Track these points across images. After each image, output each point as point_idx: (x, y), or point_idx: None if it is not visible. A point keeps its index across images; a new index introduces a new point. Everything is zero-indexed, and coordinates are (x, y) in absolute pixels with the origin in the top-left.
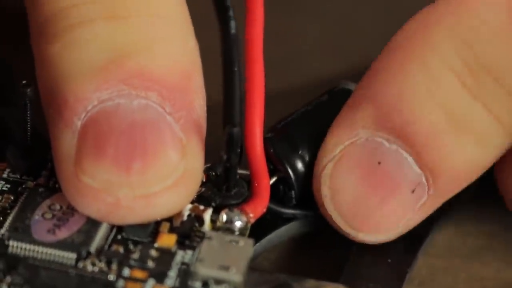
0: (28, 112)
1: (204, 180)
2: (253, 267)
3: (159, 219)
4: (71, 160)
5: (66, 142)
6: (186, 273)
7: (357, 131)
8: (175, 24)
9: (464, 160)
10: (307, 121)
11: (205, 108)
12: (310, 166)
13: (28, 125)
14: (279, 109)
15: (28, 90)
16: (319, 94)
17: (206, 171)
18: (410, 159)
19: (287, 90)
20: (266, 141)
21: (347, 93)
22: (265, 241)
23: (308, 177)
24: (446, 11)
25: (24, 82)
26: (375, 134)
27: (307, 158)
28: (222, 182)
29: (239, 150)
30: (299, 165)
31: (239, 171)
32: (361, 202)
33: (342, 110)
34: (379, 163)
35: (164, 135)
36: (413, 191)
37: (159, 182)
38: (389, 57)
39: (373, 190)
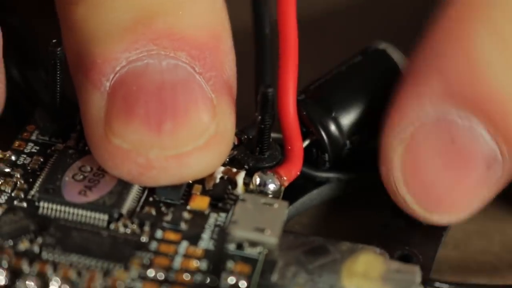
0: (58, 73)
1: (236, 143)
2: (287, 230)
3: (191, 181)
4: (101, 122)
5: (95, 104)
6: (220, 235)
7: (425, 109)
8: None
9: None
10: (340, 82)
11: (235, 69)
12: (344, 128)
13: (58, 86)
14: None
15: (58, 49)
16: (352, 54)
17: (239, 134)
18: (485, 133)
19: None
20: (299, 103)
21: (381, 54)
22: (298, 204)
23: (342, 139)
24: None
25: (54, 41)
26: (445, 110)
27: (340, 121)
28: (255, 144)
29: (273, 111)
30: (333, 128)
31: (272, 135)
32: (436, 184)
33: (404, 85)
34: (453, 142)
35: (195, 94)
36: (488, 168)
37: (191, 142)
38: (451, 22)
39: (448, 171)
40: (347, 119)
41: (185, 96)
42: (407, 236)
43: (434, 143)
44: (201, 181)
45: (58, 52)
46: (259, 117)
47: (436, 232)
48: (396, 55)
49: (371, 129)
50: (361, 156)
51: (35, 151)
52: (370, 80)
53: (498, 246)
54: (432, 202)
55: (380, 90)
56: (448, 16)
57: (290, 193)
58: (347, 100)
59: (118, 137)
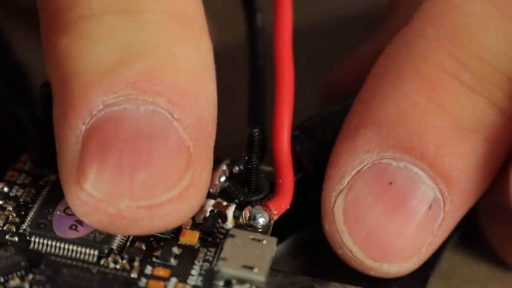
0: (49, 110)
1: (227, 175)
2: (276, 268)
3: (161, 232)
4: (74, 166)
5: (70, 147)
6: (208, 272)
7: (361, 158)
8: (189, 23)
9: (477, 161)
10: (335, 120)
11: (215, 114)
12: None
13: (49, 124)
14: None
15: (48, 89)
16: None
17: (230, 166)
18: (421, 173)
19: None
20: (293, 139)
21: None
22: (287, 242)
23: None
24: (425, 22)
25: (45, 81)
26: (380, 156)
27: None
28: (243, 183)
29: (260, 151)
30: (325, 165)
31: (264, 168)
32: (380, 232)
33: (339, 140)
34: (390, 183)
35: (171, 143)
36: (430, 207)
37: (164, 194)
38: (379, 79)
39: (389, 216)
40: None
41: (160, 145)
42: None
43: (373, 189)
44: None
45: (47, 92)
46: (246, 157)
47: (424, 270)
48: None
49: None
50: None
51: (28, 182)
52: None
53: (483, 275)
54: (379, 251)
55: None
56: (374, 73)
57: (281, 231)
58: None
59: (90, 184)
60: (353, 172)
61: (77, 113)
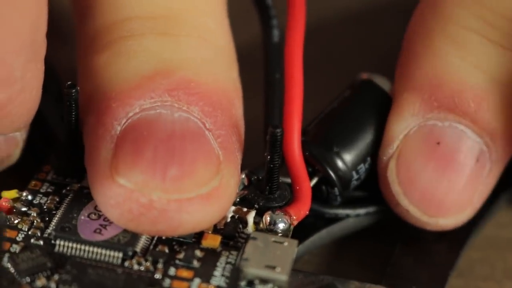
0: (73, 114)
1: (246, 183)
2: (296, 269)
3: (187, 233)
4: (107, 163)
5: (104, 146)
6: (232, 273)
7: (407, 122)
8: (222, 51)
9: None
10: (335, 118)
11: (243, 137)
12: (348, 160)
13: (73, 127)
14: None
15: (73, 91)
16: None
17: (249, 175)
18: (466, 130)
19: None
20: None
21: (368, 84)
22: (308, 242)
23: (348, 171)
24: None
25: (69, 82)
26: (425, 118)
27: (343, 154)
28: (265, 184)
29: (281, 151)
30: (338, 162)
31: (282, 178)
32: (432, 188)
33: (390, 112)
34: (438, 143)
35: (202, 148)
36: (477, 161)
37: (194, 190)
38: (411, 43)
39: (440, 172)
40: (349, 151)
41: (193, 147)
42: (414, 274)
43: (422, 150)
44: None
45: (73, 94)
46: (268, 157)
47: (443, 271)
48: (381, 82)
49: (373, 155)
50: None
51: (51, 190)
52: (364, 109)
53: (500, 273)
54: (434, 207)
55: (373, 117)
56: (408, 38)
57: (300, 232)
58: (345, 133)
59: (123, 177)
60: (401, 136)
61: (114, 114)
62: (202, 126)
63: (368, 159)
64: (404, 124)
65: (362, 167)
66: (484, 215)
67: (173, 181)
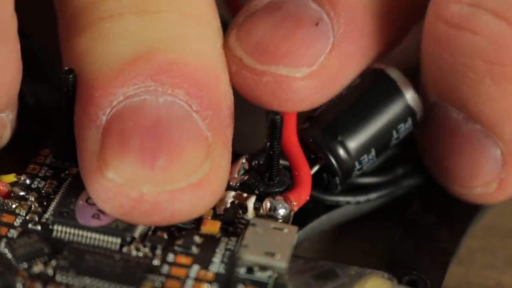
0: (70, 99)
1: (247, 168)
2: (296, 254)
3: (183, 221)
4: (95, 155)
5: (91, 137)
6: (230, 259)
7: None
8: (205, 24)
9: None
10: (342, 106)
11: (233, 108)
12: (351, 150)
13: (70, 112)
14: None
15: (70, 76)
16: None
17: (249, 160)
18: (309, 2)
19: None
20: (304, 131)
21: (379, 73)
22: (307, 229)
23: (350, 161)
24: None
25: (66, 68)
26: None
27: (347, 143)
28: (265, 170)
29: (281, 137)
30: (341, 151)
31: (282, 162)
32: (267, 37)
33: None
34: (278, 9)
35: (190, 132)
36: (316, 24)
37: (184, 179)
38: None
39: (277, 27)
40: (354, 141)
41: (180, 133)
42: (415, 261)
43: (264, 13)
44: (212, 207)
45: (70, 79)
46: (268, 143)
47: (444, 257)
48: (393, 72)
49: (377, 147)
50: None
51: (49, 174)
52: (371, 100)
53: (501, 261)
54: (266, 53)
55: (382, 108)
56: None
57: (300, 218)
58: (351, 123)
59: (112, 170)
60: (252, 10)
61: (98, 103)
62: (188, 108)
63: (372, 150)
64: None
65: (365, 158)
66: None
67: (163, 171)
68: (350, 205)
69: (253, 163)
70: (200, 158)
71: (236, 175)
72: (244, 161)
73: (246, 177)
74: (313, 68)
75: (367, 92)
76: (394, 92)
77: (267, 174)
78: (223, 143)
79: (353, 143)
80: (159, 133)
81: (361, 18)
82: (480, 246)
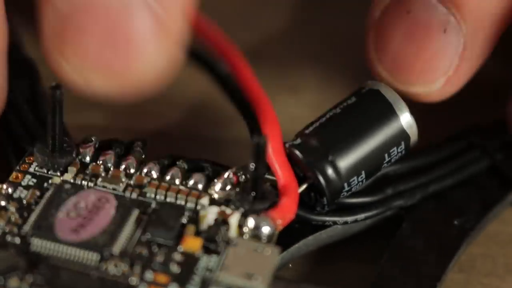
0: (58, 114)
1: (234, 182)
2: (280, 276)
3: (147, 85)
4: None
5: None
6: (209, 280)
7: None
8: None
9: None
10: (335, 125)
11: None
12: (341, 171)
13: (57, 127)
14: None
15: (57, 92)
16: (346, 96)
17: (236, 173)
18: (437, 3)
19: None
20: (295, 147)
21: (375, 94)
22: (293, 249)
23: (340, 183)
24: None
25: (53, 84)
26: None
27: (337, 164)
28: (250, 190)
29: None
30: (330, 172)
31: (271, 177)
32: (402, 54)
33: None
34: (407, 12)
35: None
36: (445, 31)
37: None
38: None
39: (409, 39)
40: (344, 162)
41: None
42: (400, 285)
43: (392, 18)
44: (195, 222)
45: (57, 95)
46: (252, 166)
47: (430, 282)
48: (390, 94)
49: (368, 170)
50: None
51: (32, 184)
52: (365, 121)
53: (502, 268)
54: (403, 72)
55: (375, 131)
56: None
57: (286, 238)
58: (343, 143)
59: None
60: (382, 7)
61: None
62: None
63: (363, 172)
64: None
65: (355, 180)
66: (486, 214)
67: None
68: (337, 225)
69: (240, 178)
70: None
71: (222, 190)
72: (230, 175)
73: (231, 193)
74: (448, 74)
75: (362, 113)
76: (389, 115)
77: (252, 193)
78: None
79: (344, 164)
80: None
81: (484, 18)
82: (481, 253)
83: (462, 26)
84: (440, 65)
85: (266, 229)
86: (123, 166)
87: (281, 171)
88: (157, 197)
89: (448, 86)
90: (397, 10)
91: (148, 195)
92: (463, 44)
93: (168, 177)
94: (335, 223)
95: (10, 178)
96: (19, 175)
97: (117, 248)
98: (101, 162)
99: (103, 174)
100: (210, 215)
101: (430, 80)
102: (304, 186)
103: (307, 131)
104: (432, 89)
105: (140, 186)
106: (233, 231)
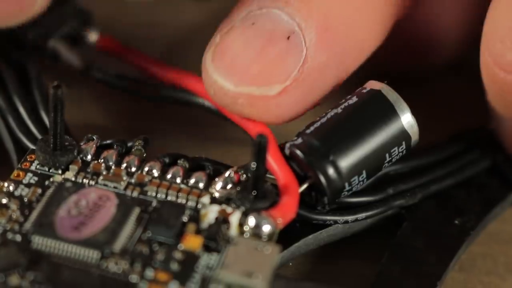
0: (59, 113)
1: (235, 181)
2: (280, 274)
3: None
4: None
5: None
6: (209, 278)
7: (239, 14)
8: None
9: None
10: (337, 125)
11: None
12: (342, 171)
13: (58, 127)
14: None
15: (59, 91)
16: (347, 96)
17: (238, 172)
18: (281, 13)
19: None
20: (295, 147)
21: (377, 95)
22: (293, 248)
23: (340, 182)
24: None
25: (55, 83)
26: (251, 9)
27: (338, 164)
28: (250, 188)
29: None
30: (331, 171)
31: (272, 176)
32: (239, 58)
33: None
34: (252, 24)
35: None
36: (288, 38)
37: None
38: None
39: (250, 44)
40: (345, 161)
41: None
42: (401, 284)
43: (238, 30)
44: (196, 220)
45: (59, 94)
46: (254, 165)
47: (431, 281)
48: (391, 95)
49: (369, 169)
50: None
51: (33, 182)
52: (367, 121)
53: (503, 267)
54: (238, 73)
55: (377, 131)
56: None
57: (287, 237)
58: (344, 143)
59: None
60: (232, 24)
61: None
62: None
63: (364, 172)
64: (243, 13)
65: (356, 180)
66: (487, 214)
67: None
68: (338, 224)
69: (242, 176)
70: None
71: (223, 189)
72: (231, 174)
73: (232, 192)
74: (286, 84)
75: (363, 113)
76: (390, 115)
77: (252, 193)
78: None
79: (345, 164)
80: None
81: (334, 26)
82: (481, 252)
83: (306, 33)
84: (278, 71)
85: (266, 228)
86: (124, 165)
87: (280, 171)
88: (158, 195)
89: (284, 96)
90: (242, 25)
91: (149, 193)
92: (305, 56)
93: (169, 176)
94: (336, 222)
95: (12, 176)
96: (21, 173)
97: (117, 246)
98: (102, 160)
99: (104, 172)
100: (211, 213)
101: (265, 83)
102: (305, 186)
103: (308, 131)
104: (267, 93)
105: (141, 185)
106: (233, 230)
